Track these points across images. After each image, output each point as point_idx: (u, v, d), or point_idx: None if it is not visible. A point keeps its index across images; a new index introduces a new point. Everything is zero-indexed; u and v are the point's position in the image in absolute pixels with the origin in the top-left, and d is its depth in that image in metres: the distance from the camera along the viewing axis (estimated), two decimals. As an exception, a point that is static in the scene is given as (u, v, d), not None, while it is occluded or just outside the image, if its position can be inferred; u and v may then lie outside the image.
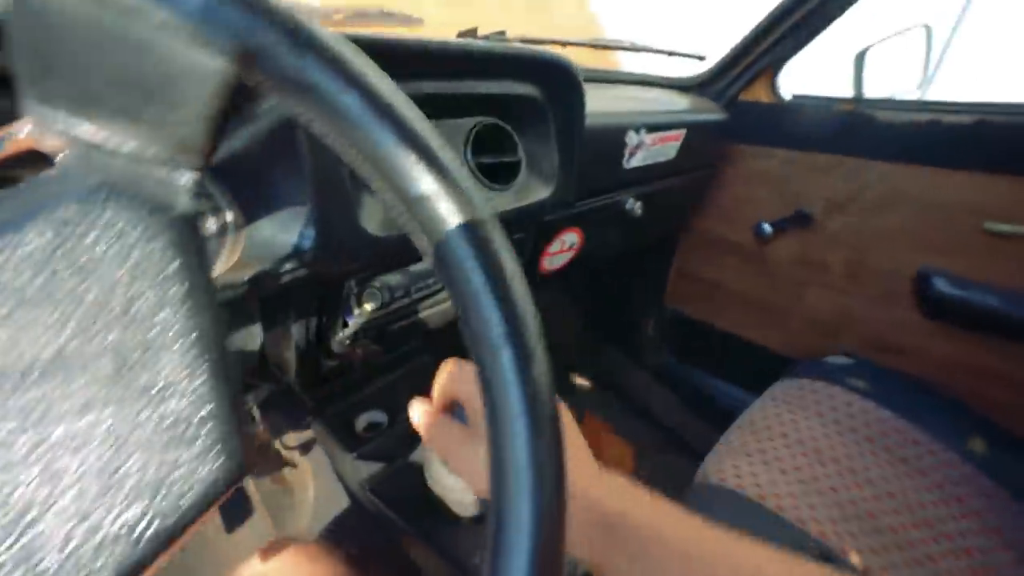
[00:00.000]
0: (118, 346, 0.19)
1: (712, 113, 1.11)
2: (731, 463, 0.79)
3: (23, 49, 0.18)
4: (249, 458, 0.22)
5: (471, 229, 0.20)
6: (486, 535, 0.20)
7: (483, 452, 0.22)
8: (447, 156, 0.22)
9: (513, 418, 0.21)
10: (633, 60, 1.26)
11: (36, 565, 0.17)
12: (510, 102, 0.60)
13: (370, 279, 0.62)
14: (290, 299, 0.54)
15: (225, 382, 0.21)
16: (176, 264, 0.20)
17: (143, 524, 0.19)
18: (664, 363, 1.49)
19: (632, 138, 0.83)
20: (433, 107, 0.54)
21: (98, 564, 0.18)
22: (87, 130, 0.19)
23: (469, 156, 0.57)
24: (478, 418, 0.33)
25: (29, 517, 0.17)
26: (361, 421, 0.82)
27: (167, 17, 0.18)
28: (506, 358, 0.21)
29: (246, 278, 0.42)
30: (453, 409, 0.35)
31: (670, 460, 1.32)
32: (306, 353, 0.61)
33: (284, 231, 0.44)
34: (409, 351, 0.87)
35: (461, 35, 0.57)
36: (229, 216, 0.45)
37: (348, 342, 0.63)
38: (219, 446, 0.21)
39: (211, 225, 0.44)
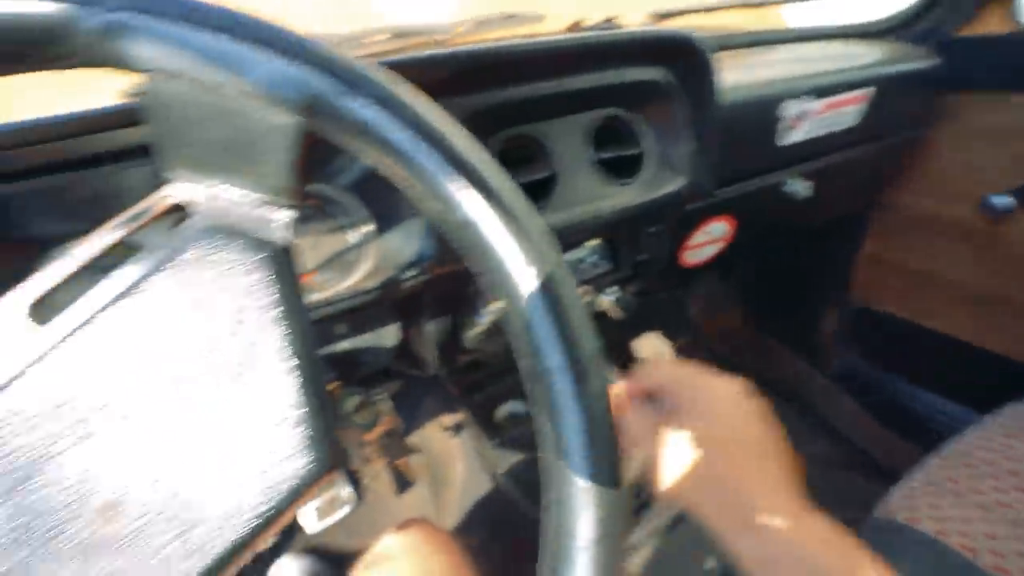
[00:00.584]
0: (228, 361, 0.23)
1: (914, 61, 0.89)
2: (929, 501, 0.64)
3: (159, 129, 0.23)
4: (335, 456, 0.25)
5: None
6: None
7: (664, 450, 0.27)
8: (494, 175, 0.23)
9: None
10: (810, 12, 1.08)
11: (164, 525, 0.22)
12: (632, 89, 0.56)
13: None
14: (424, 299, 0.59)
15: (315, 390, 0.24)
16: (274, 290, 0.24)
17: (247, 509, 0.23)
18: (849, 367, 1.26)
19: (791, 108, 0.72)
20: (550, 106, 0.54)
21: (209, 545, 0.23)
22: (206, 186, 0.24)
23: (591, 153, 0.56)
24: (672, 410, 0.34)
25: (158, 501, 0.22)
26: (502, 411, 0.86)
27: (244, 86, 0.21)
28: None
29: (374, 285, 0.48)
30: (649, 398, 0.36)
31: (849, 479, 1.12)
32: (444, 348, 0.66)
33: (409, 242, 0.48)
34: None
35: (570, 29, 0.55)
36: (366, 229, 0.51)
37: (481, 338, 0.67)
38: (309, 445, 0.24)
39: (352, 237, 0.51)
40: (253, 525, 0.23)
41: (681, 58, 0.55)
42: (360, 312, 0.50)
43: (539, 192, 0.54)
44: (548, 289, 0.22)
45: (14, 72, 0.21)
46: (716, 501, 0.31)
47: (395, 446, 1.03)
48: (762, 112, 0.70)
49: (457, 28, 0.60)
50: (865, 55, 0.89)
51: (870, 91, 0.79)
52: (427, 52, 0.38)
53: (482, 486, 0.92)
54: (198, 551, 0.22)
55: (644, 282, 0.78)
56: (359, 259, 0.50)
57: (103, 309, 0.23)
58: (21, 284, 0.23)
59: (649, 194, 0.60)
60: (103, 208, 0.46)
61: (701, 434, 0.32)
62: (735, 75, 0.69)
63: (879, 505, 0.67)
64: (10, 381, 0.22)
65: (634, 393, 0.36)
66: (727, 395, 0.34)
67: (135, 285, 0.23)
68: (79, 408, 0.22)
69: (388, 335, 0.56)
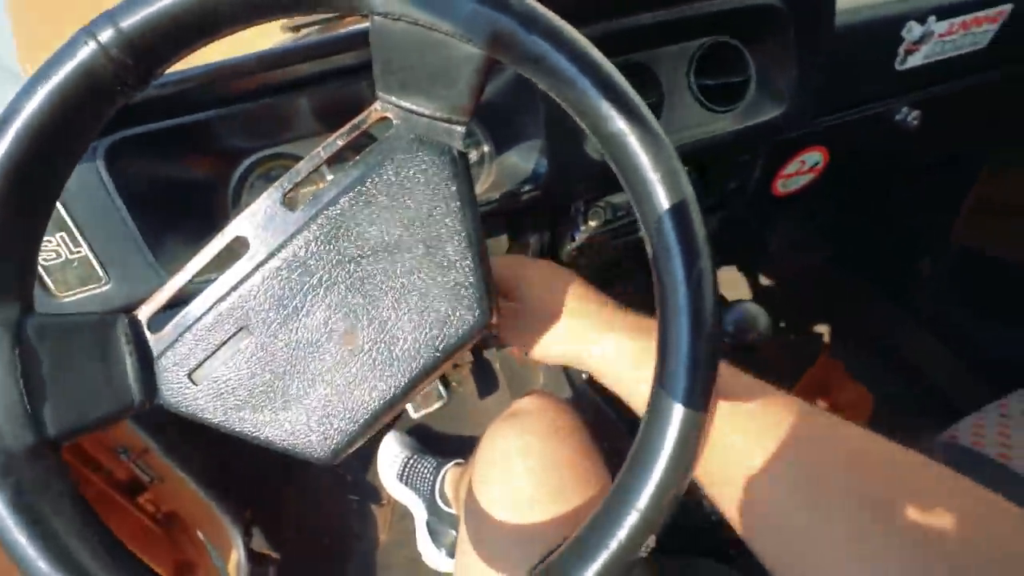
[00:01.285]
0: (424, 237, 0.32)
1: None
2: (998, 429, 0.66)
3: (381, 57, 0.30)
4: (494, 315, 0.34)
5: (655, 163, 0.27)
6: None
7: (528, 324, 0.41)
8: (638, 105, 0.28)
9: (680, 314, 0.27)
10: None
11: (383, 349, 0.32)
12: (742, 15, 0.57)
13: (597, 199, 0.70)
14: (528, 214, 0.66)
15: (483, 264, 0.33)
16: (456, 184, 0.32)
17: (434, 344, 0.32)
18: (943, 312, 1.22)
19: (913, 31, 0.68)
20: (658, 35, 0.56)
21: (411, 363, 0.32)
22: (406, 104, 0.31)
23: (692, 80, 0.58)
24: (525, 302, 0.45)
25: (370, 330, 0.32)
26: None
27: (447, 25, 0.28)
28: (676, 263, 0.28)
29: (497, 196, 0.55)
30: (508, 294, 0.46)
31: (925, 421, 1.13)
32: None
33: (525, 160, 0.55)
34: (629, 268, 0.95)
35: None
36: (486, 148, 0.58)
37: (575, 254, 0.74)
38: (478, 304, 0.32)
39: (473, 155, 0.58)
40: (437, 356, 0.32)
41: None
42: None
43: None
44: (675, 191, 0.28)
45: (299, 11, 0.29)
46: (563, 345, 0.44)
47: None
48: (879, 35, 0.67)
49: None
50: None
51: (1006, 9, 0.73)
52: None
53: (561, 391, 1.03)
54: (404, 363, 0.32)
55: (731, 210, 0.80)
56: (481, 173, 0.58)
57: (337, 197, 0.31)
58: (276, 183, 0.32)
59: (747, 121, 0.62)
60: (282, 129, 0.56)
61: (533, 307, 0.45)
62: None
63: (948, 430, 0.70)
64: (276, 249, 0.31)
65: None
66: (541, 275, 0.46)
67: (359, 179, 0.31)
68: (322, 266, 0.31)
69: (498, 245, 0.64)
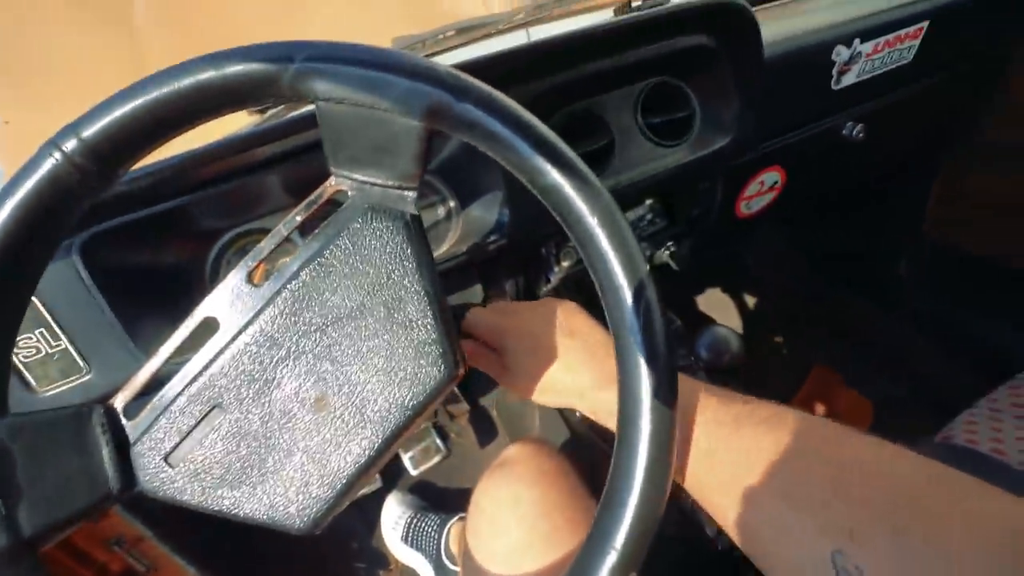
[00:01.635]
0: (385, 300, 0.33)
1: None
2: (990, 425, 0.67)
3: (329, 137, 0.32)
4: (460, 368, 0.34)
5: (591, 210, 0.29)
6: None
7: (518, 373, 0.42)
8: (567, 154, 0.30)
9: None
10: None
11: (354, 412, 0.32)
12: (680, 57, 0.61)
13: (567, 240, 0.72)
14: (502, 262, 0.68)
15: (444, 319, 0.34)
16: (410, 246, 0.33)
17: (403, 403, 0.33)
18: (923, 308, 1.24)
19: (841, 53, 0.73)
20: (601, 82, 0.60)
21: (382, 424, 0.33)
22: (358, 176, 0.33)
23: (639, 119, 0.62)
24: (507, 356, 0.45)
25: (337, 392, 0.33)
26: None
27: (387, 105, 0.30)
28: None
29: (465, 249, 0.57)
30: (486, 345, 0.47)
31: (919, 419, 1.12)
32: (519, 305, 0.75)
33: (488, 211, 0.57)
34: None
35: (617, 11, 0.60)
36: (452, 204, 0.60)
37: (552, 294, 0.76)
38: (443, 359, 0.33)
39: (440, 212, 0.60)
40: (407, 414, 0.33)
41: (727, 21, 0.59)
42: (451, 274, 0.60)
43: (600, 158, 0.60)
44: (613, 231, 0.30)
45: (243, 108, 0.31)
46: (556, 391, 0.43)
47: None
48: (810, 60, 0.72)
49: (516, 17, 0.67)
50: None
51: (924, 26, 0.78)
52: (499, 50, 0.46)
53: (558, 436, 1.02)
54: (376, 424, 0.33)
55: (701, 237, 0.83)
56: (448, 229, 0.60)
57: (299, 271, 0.33)
58: (242, 261, 0.34)
59: (697, 152, 0.65)
60: (252, 206, 0.58)
61: (525, 353, 0.44)
62: (782, 25, 0.71)
63: (942, 430, 0.70)
64: (244, 327, 0.33)
65: (476, 347, 0.48)
66: (522, 324, 0.46)
67: (319, 251, 0.33)
68: (289, 337, 0.33)
69: (474, 294, 0.66)
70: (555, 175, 0.30)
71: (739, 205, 0.84)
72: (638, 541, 0.27)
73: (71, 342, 0.48)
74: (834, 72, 0.74)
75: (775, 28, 0.69)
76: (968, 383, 1.11)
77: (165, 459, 0.32)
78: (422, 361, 0.33)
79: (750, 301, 1.43)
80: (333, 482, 0.32)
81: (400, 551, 1.08)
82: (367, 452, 0.33)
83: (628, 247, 0.30)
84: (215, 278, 0.59)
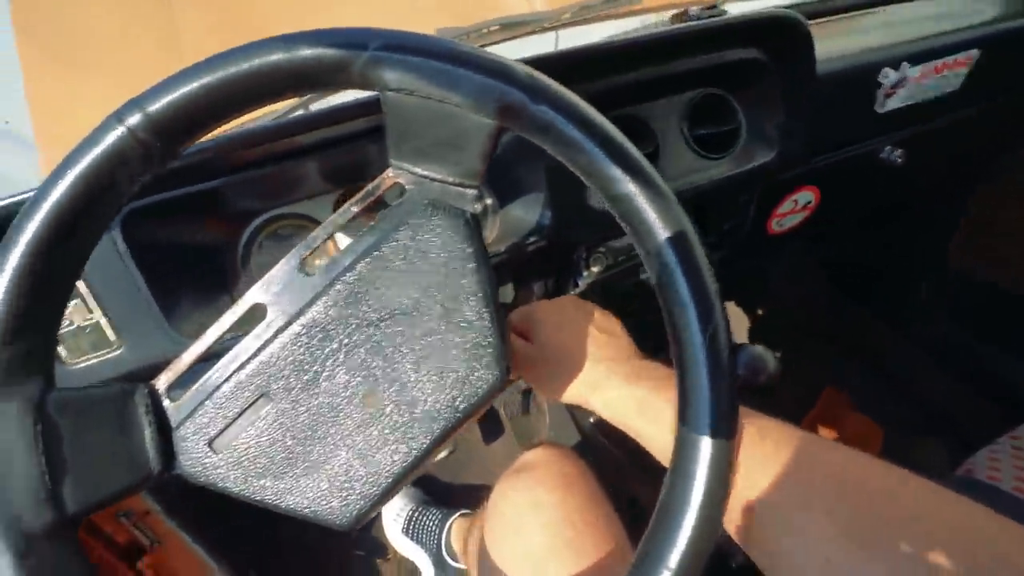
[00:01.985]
0: (442, 299, 0.32)
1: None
2: (1014, 463, 0.66)
3: (395, 128, 0.32)
4: (511, 371, 0.34)
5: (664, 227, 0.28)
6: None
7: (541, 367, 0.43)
8: (643, 165, 0.30)
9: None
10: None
11: (404, 411, 0.32)
12: (730, 69, 0.60)
13: (598, 245, 0.71)
14: (533, 263, 0.67)
15: (500, 323, 0.33)
16: (470, 246, 0.33)
17: (453, 405, 0.32)
18: (939, 334, 1.23)
19: (889, 76, 0.72)
20: (650, 89, 0.59)
21: (425, 427, 0.32)
22: (419, 170, 0.33)
23: (686, 130, 0.61)
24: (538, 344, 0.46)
25: (388, 390, 0.32)
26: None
27: (459, 100, 0.29)
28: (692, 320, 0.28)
29: (503, 249, 0.56)
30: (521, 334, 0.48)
31: (932, 448, 1.11)
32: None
33: (528, 212, 0.57)
34: (633, 308, 0.96)
35: (674, 19, 0.59)
36: (489, 202, 0.60)
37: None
38: (496, 363, 0.33)
39: (477, 208, 0.60)
40: (457, 416, 0.33)
41: (781, 36, 0.58)
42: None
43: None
44: (684, 249, 0.29)
45: (313, 91, 0.30)
46: (572, 390, 0.44)
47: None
48: (856, 81, 0.71)
49: (563, 16, 0.66)
50: (969, 14, 0.85)
51: (973, 54, 0.77)
52: (562, 49, 0.45)
53: (568, 434, 1.01)
54: (425, 424, 0.32)
55: (731, 250, 0.82)
56: (484, 227, 0.59)
57: (355, 263, 0.32)
58: (293, 250, 0.33)
59: (741, 166, 0.64)
60: (286, 190, 0.57)
61: (544, 349, 0.45)
62: (830, 44, 0.70)
63: (963, 464, 0.70)
64: (295, 316, 0.32)
65: (517, 330, 0.48)
66: (551, 316, 0.47)
67: (376, 244, 0.32)
68: (342, 330, 0.32)
69: (504, 293, 0.65)
70: (629, 185, 0.29)
71: (771, 222, 0.83)
72: (694, 564, 0.27)
73: (105, 316, 0.48)
74: (879, 95, 0.73)
75: (823, 46, 0.68)
76: (983, 416, 1.10)
77: (209, 444, 0.32)
78: (475, 364, 0.32)
79: (765, 313, 1.42)
80: (378, 480, 0.32)
81: (400, 543, 1.08)
82: (414, 452, 0.32)
83: (699, 266, 0.29)
84: (247, 260, 0.58)
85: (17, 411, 0.27)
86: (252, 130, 0.48)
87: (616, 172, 0.29)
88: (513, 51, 0.68)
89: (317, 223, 0.61)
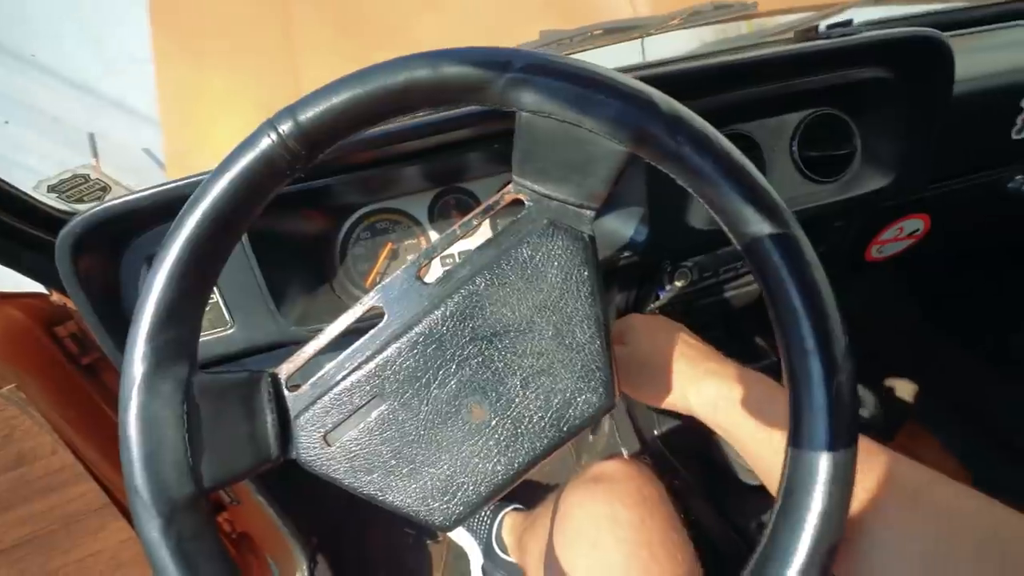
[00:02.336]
0: (555, 320, 0.33)
1: None
2: None
3: (524, 146, 0.32)
4: (617, 396, 0.34)
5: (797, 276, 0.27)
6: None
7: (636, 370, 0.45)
8: (779, 206, 0.29)
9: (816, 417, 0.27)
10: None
11: (509, 426, 0.33)
12: (849, 88, 0.56)
13: (683, 258, 0.70)
14: (617, 274, 0.66)
15: (610, 347, 0.33)
16: (587, 269, 0.33)
17: (558, 424, 0.33)
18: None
19: (1031, 101, 0.65)
20: (764, 107, 0.56)
21: (534, 442, 0.33)
22: (541, 189, 0.33)
23: (795, 151, 0.58)
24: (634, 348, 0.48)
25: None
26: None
27: (594, 125, 0.29)
28: (815, 367, 0.27)
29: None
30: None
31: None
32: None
33: (623, 226, 0.56)
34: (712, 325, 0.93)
35: (798, 35, 0.56)
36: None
37: (658, 313, 0.74)
38: (604, 387, 0.33)
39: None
40: (560, 436, 0.33)
41: (917, 57, 0.54)
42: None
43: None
44: (816, 302, 0.28)
45: (443, 107, 0.31)
46: (667, 391, 0.45)
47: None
48: (995, 103, 0.65)
49: (672, 21, 0.64)
50: None
51: None
52: (679, 67, 0.44)
53: (634, 444, 1.00)
54: (528, 441, 0.33)
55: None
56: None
57: (473, 276, 0.33)
58: (413, 259, 0.34)
59: (849, 192, 0.60)
60: (387, 187, 0.59)
61: (641, 353, 0.47)
62: (967, 60, 0.64)
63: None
64: (412, 323, 0.33)
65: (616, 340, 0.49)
66: (647, 324, 0.49)
67: (495, 259, 0.33)
68: (456, 342, 0.33)
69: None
70: (764, 226, 0.28)
71: (871, 248, 0.78)
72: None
73: (222, 297, 0.51)
74: (1018, 120, 0.66)
75: (959, 61, 0.63)
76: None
77: (324, 437, 0.33)
78: (582, 386, 0.33)
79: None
80: (478, 488, 0.33)
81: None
82: (515, 465, 0.33)
83: (829, 324, 0.28)
84: (345, 251, 0.61)
85: (170, 391, 0.29)
86: (368, 135, 0.50)
87: (750, 212, 0.28)
88: (601, 54, 0.67)
89: (412, 218, 0.63)
